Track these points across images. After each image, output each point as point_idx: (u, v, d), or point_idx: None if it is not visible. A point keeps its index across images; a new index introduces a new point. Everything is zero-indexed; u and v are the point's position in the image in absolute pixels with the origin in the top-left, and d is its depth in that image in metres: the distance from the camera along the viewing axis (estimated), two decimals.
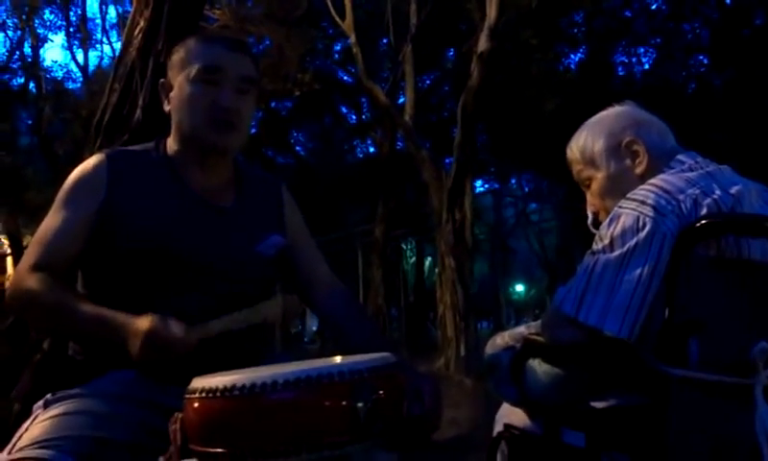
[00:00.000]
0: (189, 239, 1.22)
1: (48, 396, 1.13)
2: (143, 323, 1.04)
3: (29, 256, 1.20)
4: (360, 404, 0.76)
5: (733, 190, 1.18)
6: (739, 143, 10.01)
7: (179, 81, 1.26)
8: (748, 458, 1.05)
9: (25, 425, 1.09)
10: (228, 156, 1.31)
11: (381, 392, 0.78)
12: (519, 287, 30.75)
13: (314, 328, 21.89)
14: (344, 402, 0.75)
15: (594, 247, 1.19)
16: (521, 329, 1.46)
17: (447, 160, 11.20)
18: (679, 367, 1.08)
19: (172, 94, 1.28)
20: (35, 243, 1.22)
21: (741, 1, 12.51)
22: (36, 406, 1.13)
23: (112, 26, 15.69)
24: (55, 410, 1.08)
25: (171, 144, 1.31)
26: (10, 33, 14.76)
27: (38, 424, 1.06)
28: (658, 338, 1.12)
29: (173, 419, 0.83)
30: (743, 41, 11.81)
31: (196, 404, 0.78)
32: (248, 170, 1.39)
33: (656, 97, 10.44)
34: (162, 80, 1.32)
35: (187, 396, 0.80)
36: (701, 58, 13.90)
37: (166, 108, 1.30)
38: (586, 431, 1.23)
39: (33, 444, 1.01)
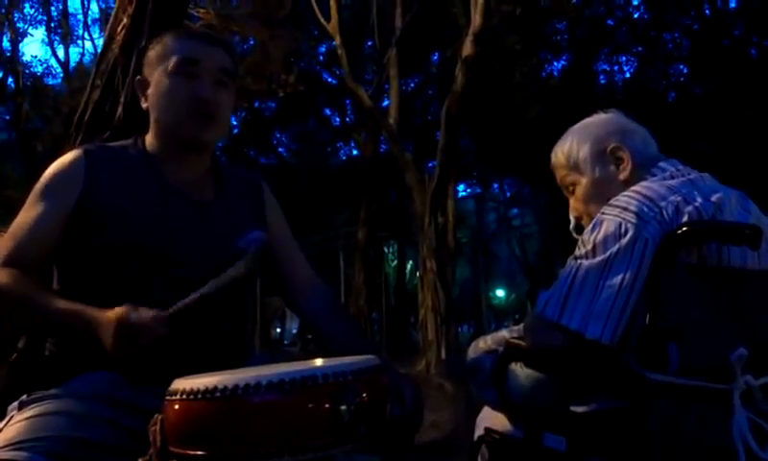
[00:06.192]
0: (168, 234, 1.20)
1: (23, 397, 1.11)
2: (113, 313, 1.05)
3: (1, 251, 1.19)
4: (343, 407, 0.75)
5: (714, 198, 1.19)
6: (718, 151, 10.17)
7: (156, 75, 1.26)
8: None
9: None
10: (207, 149, 1.30)
11: (365, 395, 0.77)
12: (500, 292, 30.87)
13: (294, 331, 21.80)
14: (327, 405, 0.75)
15: (577, 252, 1.20)
16: (503, 333, 1.46)
17: (431, 164, 11.24)
18: (659, 372, 1.09)
19: (149, 90, 1.27)
20: (8, 238, 1.20)
21: (721, 13, 12.73)
22: (10, 407, 1.11)
23: (94, 22, 15.56)
24: (30, 411, 1.07)
25: (150, 140, 1.30)
26: None
27: (13, 426, 1.05)
28: (638, 343, 1.13)
29: (153, 420, 0.81)
30: (722, 52, 12.00)
31: (177, 406, 0.77)
32: (228, 167, 1.39)
33: (637, 105, 10.57)
34: (139, 77, 1.31)
35: (168, 397, 0.79)
36: (681, 67, 14.12)
37: (144, 105, 1.30)
38: (567, 436, 1.23)
39: (7, 445, 0.99)
